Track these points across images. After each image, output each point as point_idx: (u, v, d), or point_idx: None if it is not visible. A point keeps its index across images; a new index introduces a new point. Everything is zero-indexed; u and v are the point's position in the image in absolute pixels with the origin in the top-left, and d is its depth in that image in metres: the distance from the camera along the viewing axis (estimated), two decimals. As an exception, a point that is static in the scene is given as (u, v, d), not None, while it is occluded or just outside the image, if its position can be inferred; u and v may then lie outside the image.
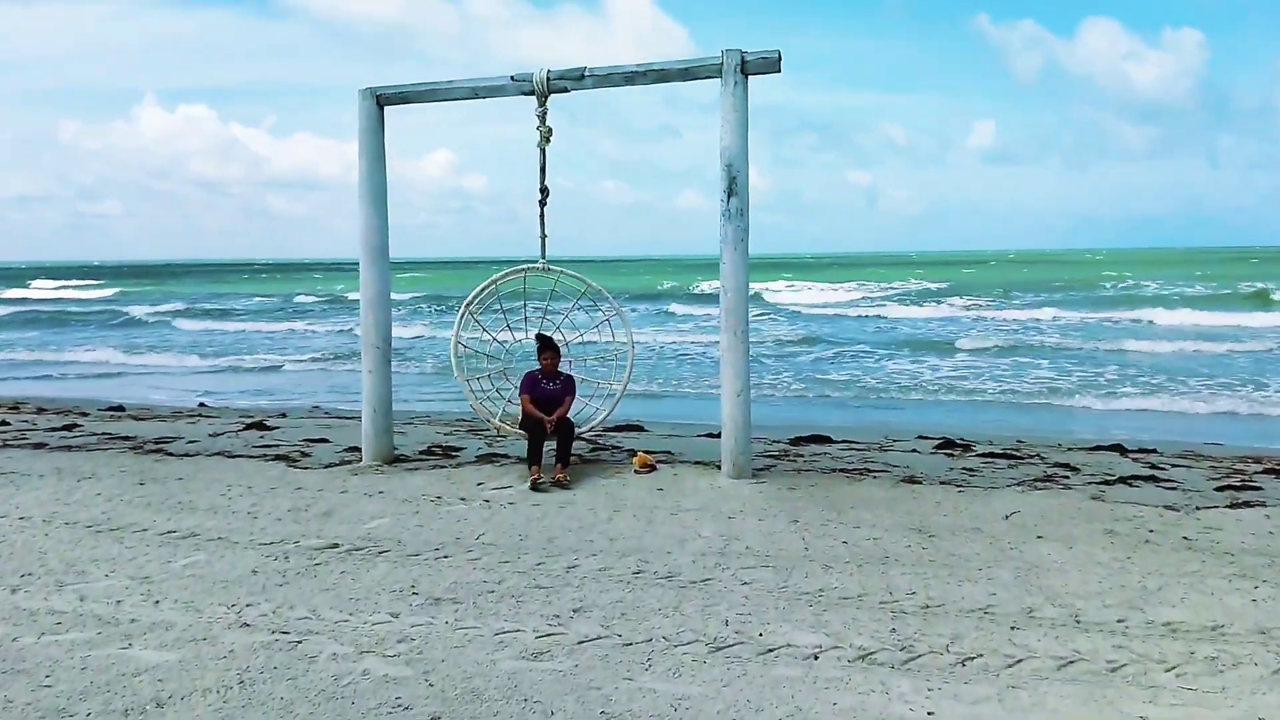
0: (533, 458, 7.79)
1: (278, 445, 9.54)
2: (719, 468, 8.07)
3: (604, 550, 5.90)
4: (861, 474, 8.09)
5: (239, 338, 29.00)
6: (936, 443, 10.03)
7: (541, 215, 8.33)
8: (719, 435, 10.04)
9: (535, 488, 7.43)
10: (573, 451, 8.22)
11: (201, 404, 14.69)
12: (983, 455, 9.34)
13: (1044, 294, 40.46)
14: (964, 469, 8.56)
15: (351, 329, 31.16)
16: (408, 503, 7.05)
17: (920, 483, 7.79)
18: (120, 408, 13.28)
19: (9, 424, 11.01)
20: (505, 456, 8.78)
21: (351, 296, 46.16)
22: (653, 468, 8.13)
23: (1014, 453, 9.45)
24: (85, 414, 12.47)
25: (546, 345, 8.29)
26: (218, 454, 8.99)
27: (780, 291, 44.32)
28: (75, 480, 7.75)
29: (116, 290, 58.86)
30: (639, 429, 11.14)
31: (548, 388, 8.30)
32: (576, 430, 8.16)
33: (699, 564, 5.62)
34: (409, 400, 15.48)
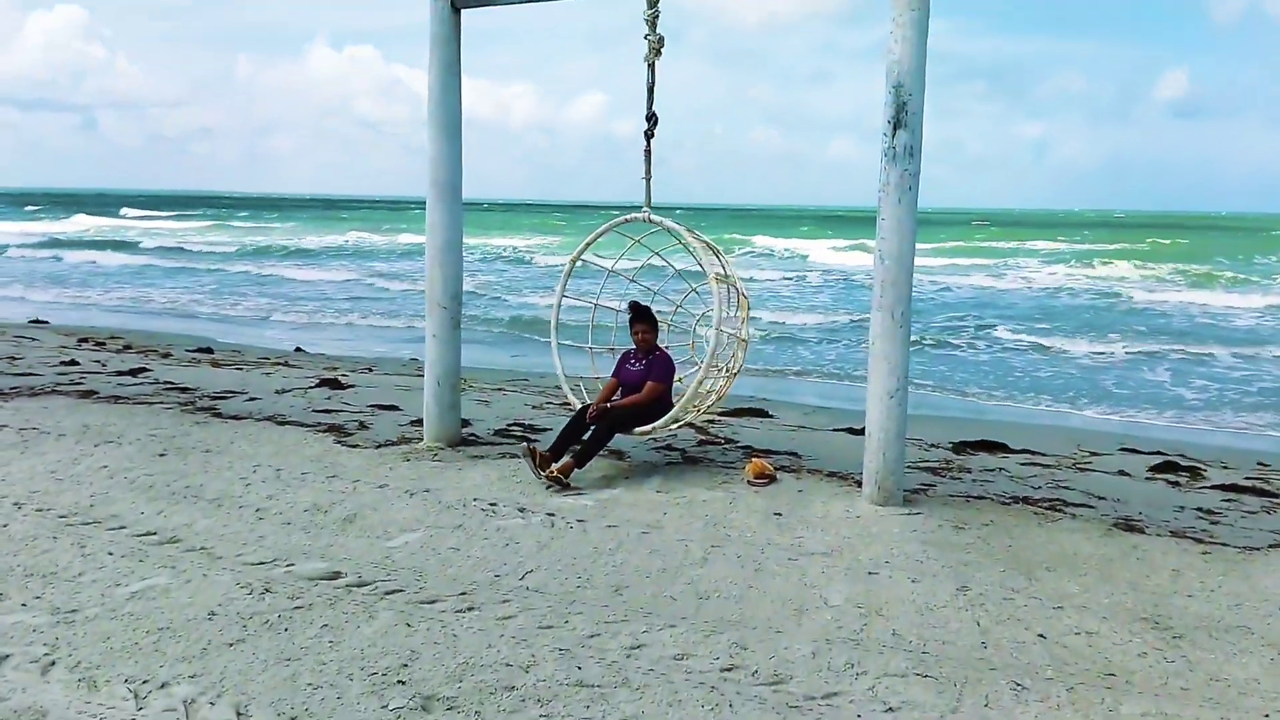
0: (556, 444, 6.33)
1: (339, 411, 8.29)
2: (858, 485, 6.18)
3: (688, 617, 4.18)
4: (1055, 509, 6.00)
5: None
6: (1153, 462, 7.72)
7: (648, 151, 6.53)
8: (860, 432, 8.12)
9: (546, 479, 6.05)
10: (665, 444, 6.51)
11: (298, 349, 13.87)
12: (1219, 487, 7.01)
13: None
14: (1199, 510, 6.31)
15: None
16: (452, 510, 5.55)
17: (1142, 531, 5.65)
18: (209, 349, 12.55)
19: (77, 363, 10.30)
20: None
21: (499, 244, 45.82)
22: (771, 478, 6.32)
23: (1264, 486, 7.06)
24: (168, 355, 11.76)
25: (639, 316, 6.56)
26: (268, 419, 7.81)
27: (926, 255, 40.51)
28: (93, 445, 6.69)
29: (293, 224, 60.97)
30: (762, 414, 9.30)
31: (632, 369, 6.62)
32: (648, 431, 6.37)
33: (821, 660, 3.82)
34: (511, 359, 14.17)
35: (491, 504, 5.67)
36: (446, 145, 6.99)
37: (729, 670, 3.72)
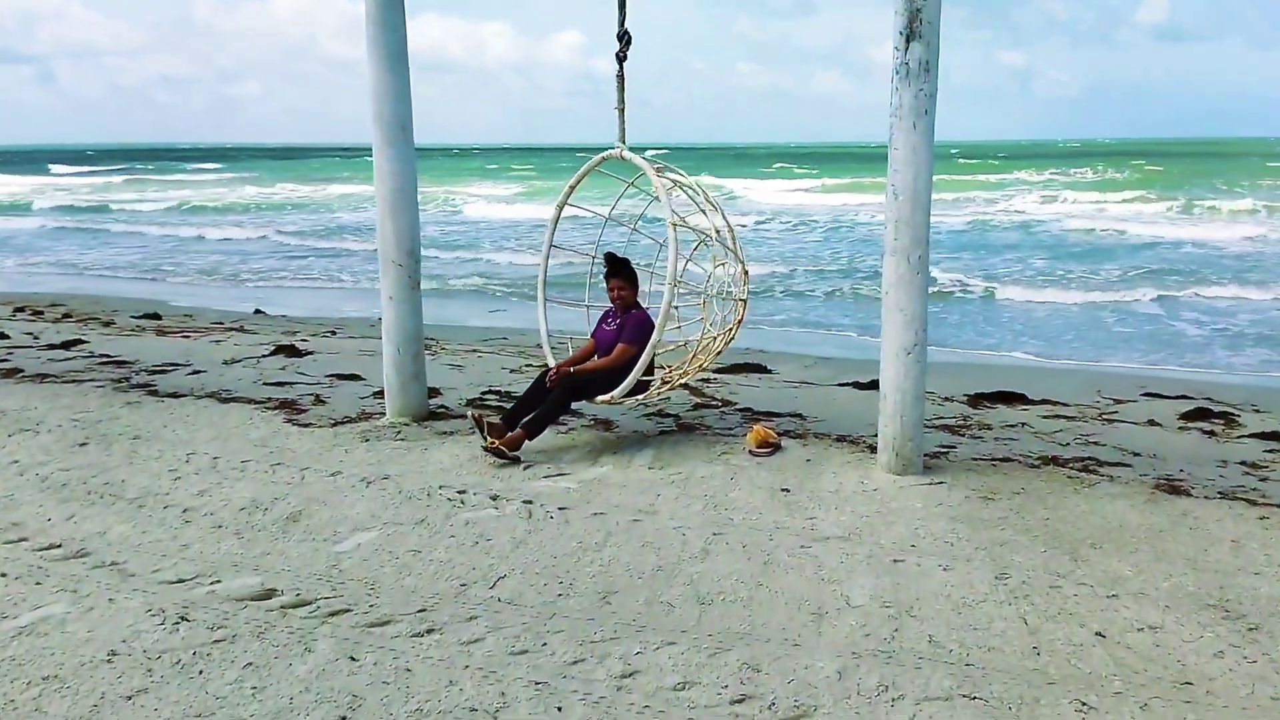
0: (513, 411, 5.74)
1: (293, 384, 7.53)
2: (872, 451, 5.53)
3: (689, 631, 3.53)
4: (1090, 470, 5.38)
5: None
6: (1182, 409, 7.11)
7: (620, 77, 5.71)
8: (870, 386, 7.46)
9: (485, 447, 5.45)
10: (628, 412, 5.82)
11: (257, 310, 13.02)
12: (1259, 436, 6.41)
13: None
14: (1244, 465, 5.71)
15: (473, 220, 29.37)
16: (414, 501, 4.85)
17: (1188, 493, 5.04)
18: (156, 315, 11.68)
19: (7, 336, 9.44)
20: (578, 415, 6.46)
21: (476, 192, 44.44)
22: (775, 446, 5.65)
23: (1308, 434, 6.47)
24: (110, 323, 10.91)
25: (613, 270, 5.81)
26: (211, 396, 7.04)
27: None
28: (6, 435, 5.92)
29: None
30: (760, 369, 8.62)
31: (607, 329, 5.90)
32: (608, 400, 5.66)
33: (850, 682, 3.18)
34: (489, 315, 13.37)
35: (460, 492, 4.97)
36: (391, 75, 6.12)
37: (740, 703, 3.07)
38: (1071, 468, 5.41)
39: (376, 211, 6.30)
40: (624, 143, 5.77)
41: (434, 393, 7.19)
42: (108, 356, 8.55)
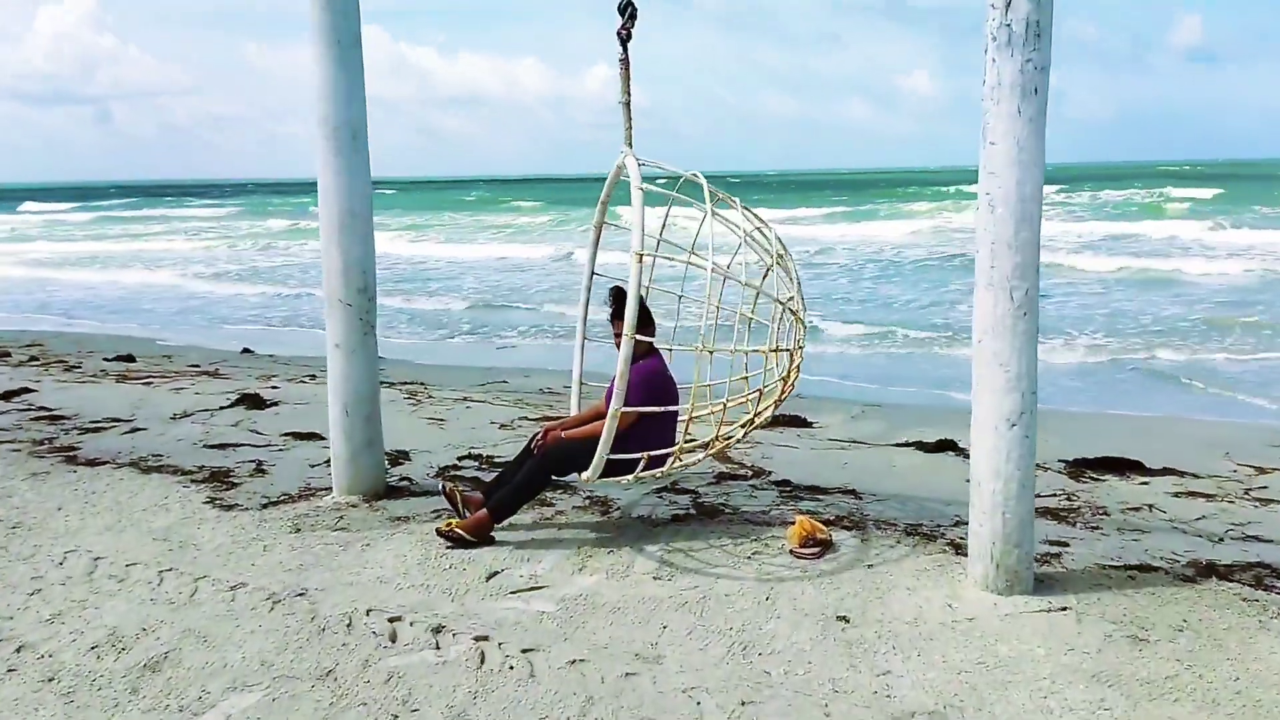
0: (496, 481, 4.63)
1: (239, 446, 6.27)
2: (955, 550, 4.12)
3: None
4: (1267, 585, 3.89)
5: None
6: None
7: (624, 62, 4.41)
8: (938, 449, 6.09)
9: (439, 530, 4.35)
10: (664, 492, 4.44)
11: (245, 350, 11.89)
12: None
13: None
14: None
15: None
16: (328, 636, 3.51)
17: None
18: (130, 357, 10.57)
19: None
20: (569, 490, 5.12)
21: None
22: (825, 544, 4.25)
23: None
24: (76, 366, 9.81)
25: (618, 309, 4.46)
26: (135, 463, 5.81)
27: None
28: None
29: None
30: (798, 423, 7.22)
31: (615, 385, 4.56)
32: (587, 481, 4.29)
33: None
34: (497, 351, 12.06)
35: (394, 619, 3.62)
36: (340, 69, 4.88)
37: None
38: (1241, 581, 3.93)
39: (321, 237, 5.04)
40: (630, 146, 4.44)
41: (398, 459, 5.90)
42: (46, 410, 7.39)
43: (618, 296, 4.48)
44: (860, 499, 5.09)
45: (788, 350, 4.50)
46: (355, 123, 4.96)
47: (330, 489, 5.17)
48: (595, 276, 5.14)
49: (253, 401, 7.62)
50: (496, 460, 5.88)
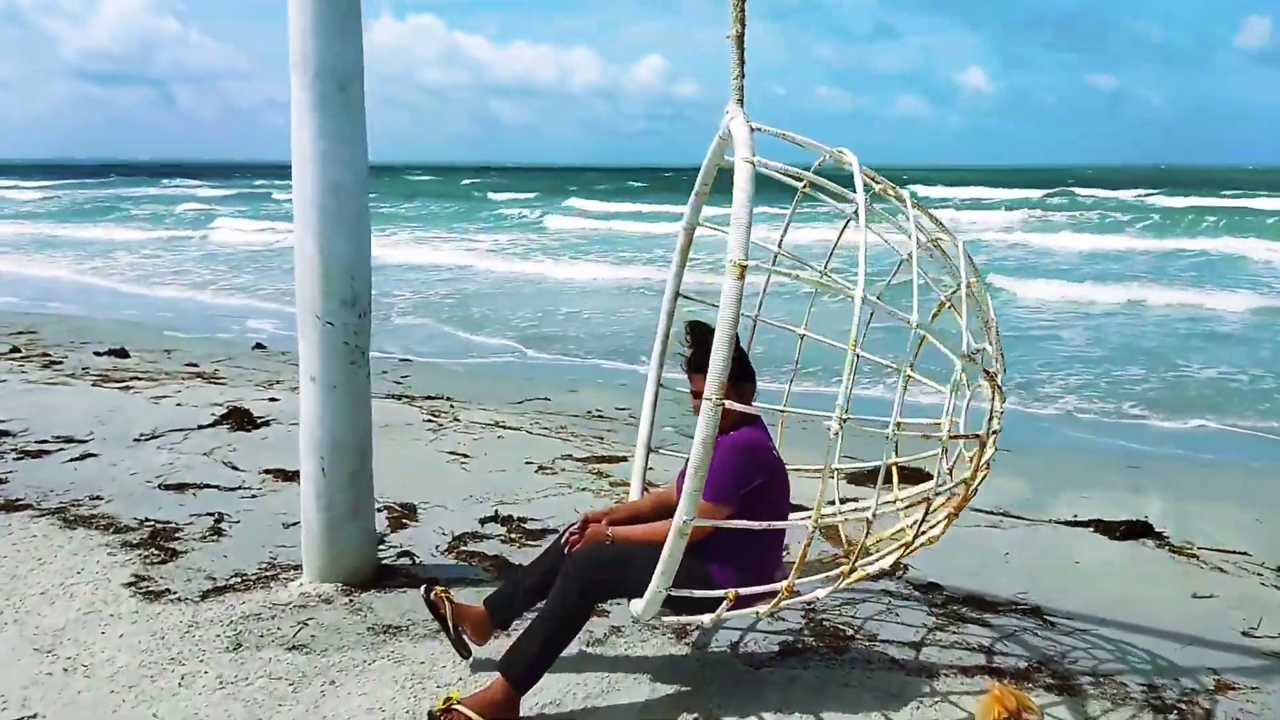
0: (514, 587, 3.13)
1: (202, 488, 4.89)
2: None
3: None
4: None
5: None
6: None
7: (741, 20, 2.88)
8: (1131, 534, 4.60)
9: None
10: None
11: (257, 345, 10.63)
12: None
13: None
14: None
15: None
16: None
17: None
18: (122, 351, 9.33)
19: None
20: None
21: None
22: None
23: None
24: (57, 363, 8.58)
25: (698, 355, 2.93)
26: (60, 510, 4.45)
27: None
28: None
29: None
30: (925, 476, 5.61)
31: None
32: (639, 616, 2.77)
33: None
34: (569, 385, 10.59)
35: None
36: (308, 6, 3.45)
37: None
38: None
39: (295, 227, 3.61)
40: (741, 103, 2.92)
41: (402, 519, 4.48)
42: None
43: (698, 335, 2.97)
44: (1050, 624, 3.55)
45: (977, 436, 2.94)
46: (345, 70, 3.52)
47: (301, 569, 3.77)
48: (681, 300, 3.63)
49: (239, 419, 6.25)
50: (530, 528, 4.43)
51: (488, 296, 16.07)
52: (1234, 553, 4.44)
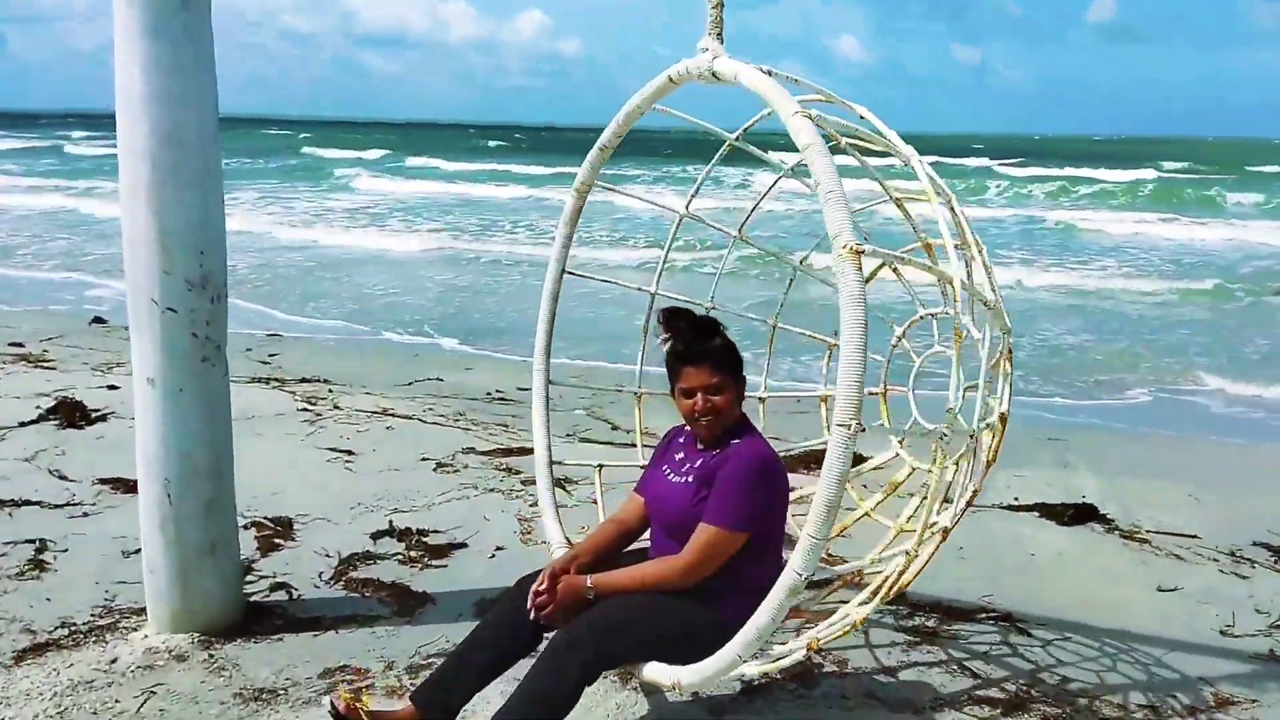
0: (442, 677, 2.34)
1: (18, 506, 4.01)
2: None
3: None
4: None
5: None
6: None
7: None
8: (1082, 518, 4.37)
9: None
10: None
11: (96, 319, 9.37)
12: None
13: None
14: None
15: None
16: None
17: None
18: (99, 319, 8.15)
19: None
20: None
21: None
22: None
23: None
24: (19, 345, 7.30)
25: (695, 346, 2.39)
26: None
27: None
28: None
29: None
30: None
31: (671, 477, 2.45)
32: (679, 687, 2.23)
33: None
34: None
35: None
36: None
37: None
38: None
39: (121, 188, 2.82)
40: (722, 41, 2.35)
41: (275, 538, 3.77)
42: None
43: (690, 322, 2.42)
44: (1024, 633, 3.21)
45: (1001, 415, 2.53)
46: (183, -22, 2.73)
47: (145, 612, 3.03)
48: (567, 278, 3.08)
49: (70, 414, 5.30)
50: (433, 542, 3.78)
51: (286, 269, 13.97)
52: (1184, 536, 4.25)
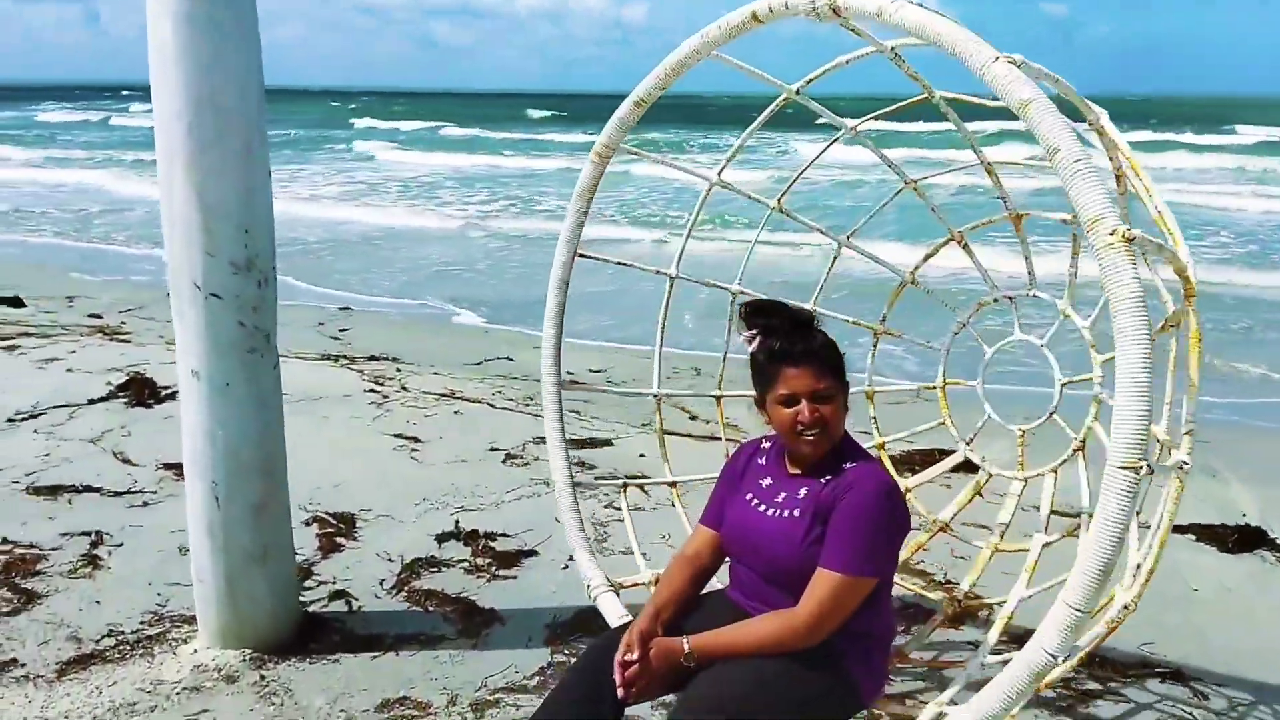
0: None
1: (78, 493, 3.86)
2: None
3: None
4: None
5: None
6: None
7: None
8: (1247, 544, 3.82)
9: None
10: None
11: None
12: None
13: None
14: None
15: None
16: None
17: None
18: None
19: None
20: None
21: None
22: None
23: None
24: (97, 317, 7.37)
25: (801, 347, 1.92)
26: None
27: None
28: None
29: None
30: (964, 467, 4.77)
31: (762, 510, 1.97)
32: None
33: None
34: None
35: None
36: None
37: None
38: None
39: (157, 153, 2.54)
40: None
41: (334, 539, 3.51)
42: None
43: (788, 315, 2.00)
44: (1201, 695, 2.73)
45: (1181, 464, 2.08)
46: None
47: (197, 620, 2.80)
48: (580, 259, 2.66)
49: (140, 391, 5.18)
50: (502, 548, 3.48)
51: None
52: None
